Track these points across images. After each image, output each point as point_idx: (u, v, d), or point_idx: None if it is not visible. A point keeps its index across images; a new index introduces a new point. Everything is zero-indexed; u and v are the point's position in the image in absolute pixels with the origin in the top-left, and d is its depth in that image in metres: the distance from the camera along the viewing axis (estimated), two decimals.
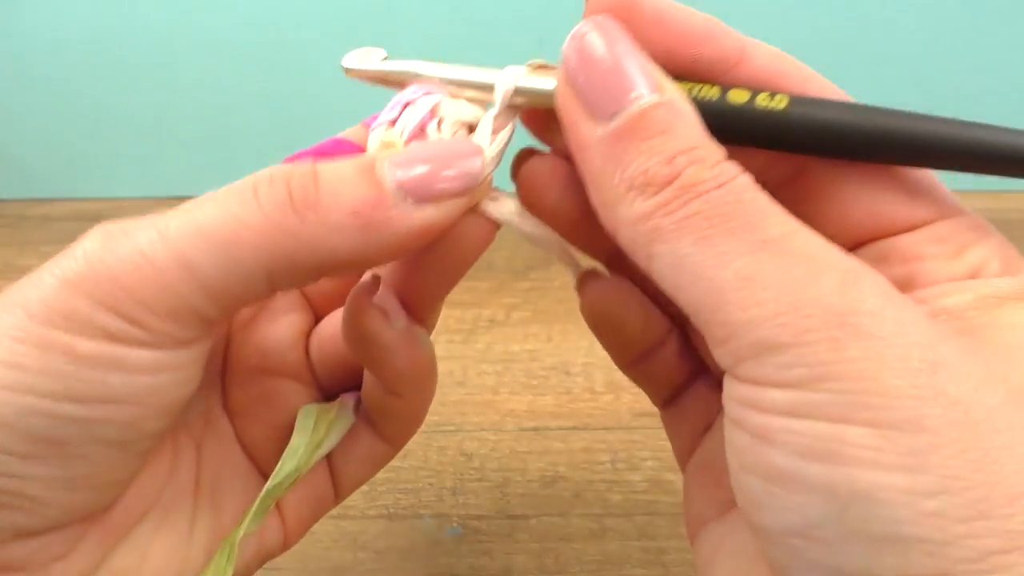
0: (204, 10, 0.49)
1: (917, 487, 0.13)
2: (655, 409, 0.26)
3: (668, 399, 0.24)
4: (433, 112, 0.20)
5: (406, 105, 0.20)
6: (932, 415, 0.13)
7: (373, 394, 0.24)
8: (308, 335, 0.25)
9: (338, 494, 0.25)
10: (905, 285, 0.17)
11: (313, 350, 0.25)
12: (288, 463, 0.22)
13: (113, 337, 0.16)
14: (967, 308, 0.16)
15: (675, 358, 0.23)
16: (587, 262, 0.22)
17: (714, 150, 0.16)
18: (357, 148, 0.22)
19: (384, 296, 0.21)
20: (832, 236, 0.17)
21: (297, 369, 0.25)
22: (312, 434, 0.23)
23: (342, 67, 0.20)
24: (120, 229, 0.17)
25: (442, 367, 0.40)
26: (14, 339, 0.16)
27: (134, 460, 0.19)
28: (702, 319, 0.16)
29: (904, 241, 0.18)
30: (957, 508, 0.13)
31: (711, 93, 0.18)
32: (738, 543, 0.20)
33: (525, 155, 0.20)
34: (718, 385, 0.21)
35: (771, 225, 0.15)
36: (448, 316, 0.43)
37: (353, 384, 0.25)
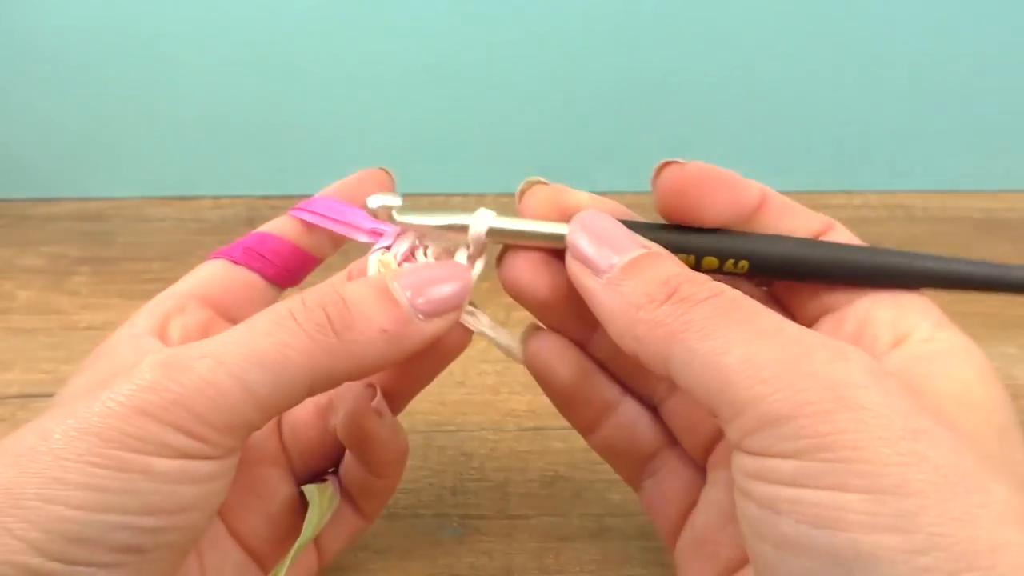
0: (205, 10, 0.49)
1: (910, 546, 0.15)
2: None
3: (636, 475, 0.26)
4: (422, 238, 0.24)
5: (399, 235, 0.24)
6: (917, 479, 0.15)
7: (356, 476, 0.27)
8: (279, 421, 0.28)
9: (321, 566, 0.28)
10: (855, 341, 0.21)
11: (287, 435, 0.27)
12: (307, 532, 0.26)
13: (184, 454, 0.18)
14: (907, 371, 0.19)
15: (632, 428, 0.26)
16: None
17: (703, 276, 0.20)
18: (283, 241, 0.26)
19: (380, 400, 0.25)
20: (798, 310, 0.23)
21: (276, 455, 0.27)
22: (318, 509, 0.26)
23: (366, 205, 0.24)
24: (176, 360, 0.19)
25: None
26: (92, 464, 0.17)
27: (182, 559, 0.21)
28: (714, 403, 0.18)
29: (852, 309, 0.22)
30: (947, 562, 0.15)
31: (687, 262, 0.22)
32: None
33: (504, 250, 0.24)
34: (692, 463, 0.25)
35: (765, 319, 0.18)
36: None
37: (323, 464, 0.28)
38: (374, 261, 0.24)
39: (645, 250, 0.21)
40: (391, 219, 0.24)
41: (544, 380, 0.25)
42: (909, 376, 0.19)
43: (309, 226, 0.26)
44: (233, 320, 0.25)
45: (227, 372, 0.19)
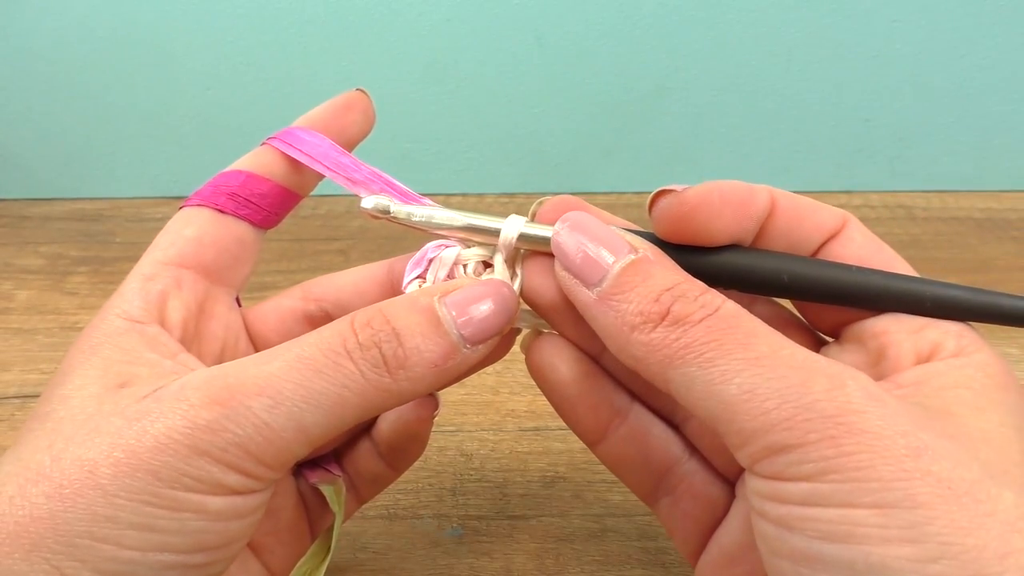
0: (204, 10, 0.49)
1: (921, 555, 0.16)
2: None
3: (651, 491, 0.26)
4: (457, 261, 0.23)
5: (431, 261, 0.24)
6: (923, 492, 0.16)
7: (370, 468, 0.27)
8: None
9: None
10: (878, 357, 0.21)
11: None
12: (337, 533, 0.26)
13: (236, 492, 0.18)
14: (927, 395, 0.19)
15: (644, 439, 0.25)
16: None
17: (695, 284, 0.19)
18: (269, 183, 0.24)
19: (439, 409, 0.26)
20: (817, 323, 0.23)
21: None
22: (341, 509, 0.27)
23: (361, 208, 0.24)
24: (231, 396, 0.18)
25: None
26: (147, 503, 0.17)
27: None
28: (720, 429, 0.18)
29: (873, 323, 0.21)
30: (956, 569, 0.15)
31: None
32: None
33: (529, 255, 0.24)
34: (715, 480, 0.25)
35: (760, 342, 0.18)
36: None
37: (319, 452, 0.28)
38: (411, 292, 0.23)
39: (633, 256, 0.20)
40: (388, 215, 0.23)
41: (545, 380, 0.24)
42: (925, 388, 0.19)
43: (292, 162, 0.25)
44: (225, 281, 0.24)
45: (285, 414, 0.18)
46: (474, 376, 0.40)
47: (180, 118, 0.53)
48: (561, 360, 0.24)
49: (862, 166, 0.55)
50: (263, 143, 0.25)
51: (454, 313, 0.21)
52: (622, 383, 0.25)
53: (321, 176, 0.25)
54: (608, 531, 0.33)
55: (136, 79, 0.52)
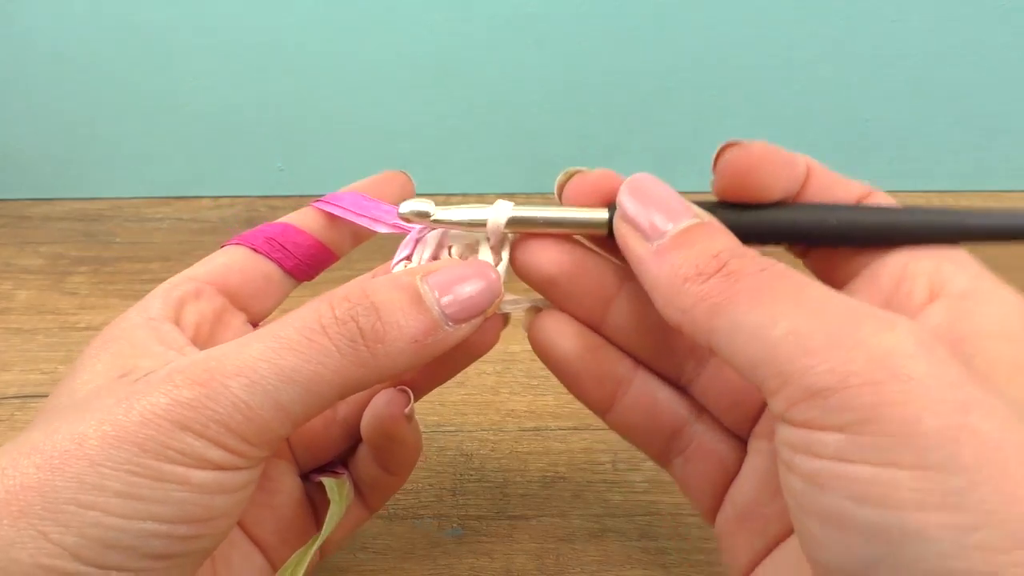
0: (204, 10, 0.49)
1: (961, 524, 0.15)
2: None
3: (663, 453, 0.26)
4: (441, 243, 0.24)
5: (417, 242, 0.24)
6: (968, 455, 0.15)
7: (369, 473, 0.27)
8: None
9: (322, 556, 0.28)
10: (891, 295, 0.21)
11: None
12: (328, 527, 0.26)
13: (219, 466, 0.19)
14: (951, 327, 0.19)
15: (652, 404, 0.25)
16: None
17: (752, 251, 0.20)
18: (305, 234, 0.26)
19: (411, 406, 0.25)
20: (833, 273, 0.23)
21: (282, 448, 0.27)
22: (340, 503, 0.26)
23: (398, 212, 0.24)
24: (211, 376, 0.19)
25: None
26: (131, 472, 0.18)
27: (203, 562, 0.21)
28: (759, 375, 0.18)
29: (888, 264, 0.21)
30: (999, 540, 0.14)
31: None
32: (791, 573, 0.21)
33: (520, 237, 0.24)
34: (724, 438, 0.25)
35: (813, 292, 0.18)
36: None
37: (327, 456, 0.28)
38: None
39: (698, 220, 0.21)
40: (424, 221, 0.24)
41: (548, 356, 0.25)
42: (953, 331, 0.19)
43: (331, 220, 0.26)
44: (246, 309, 0.25)
45: (262, 392, 0.19)
46: (474, 376, 0.40)
47: (180, 118, 0.53)
48: (562, 335, 0.24)
49: (862, 166, 0.55)
50: (308, 205, 0.27)
51: (436, 292, 0.21)
52: (625, 350, 0.25)
53: (361, 236, 0.27)
54: (608, 531, 0.33)
55: (136, 79, 0.52)
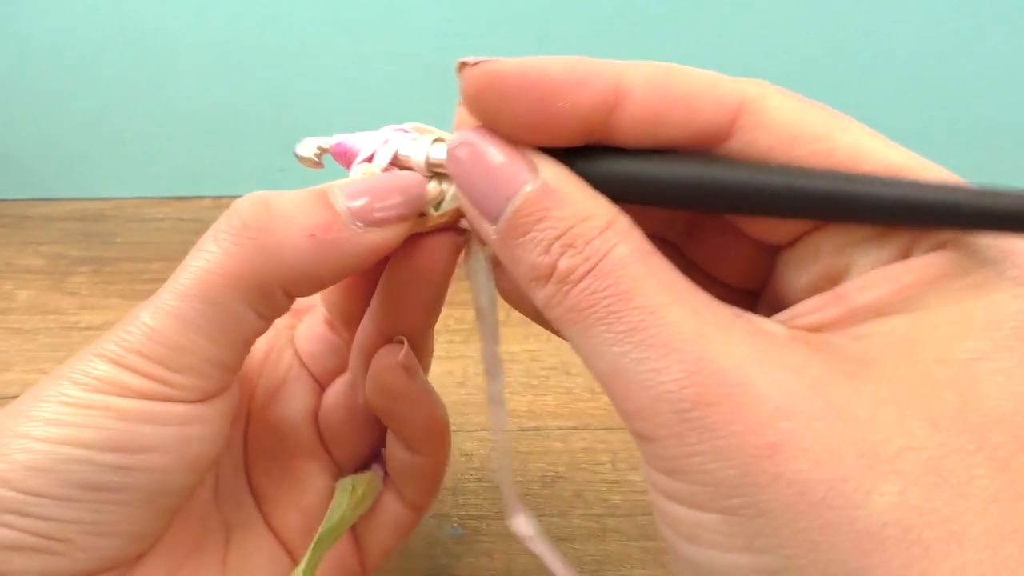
0: (204, 10, 0.49)
1: (762, 566, 0.14)
2: None
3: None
4: (404, 147, 0.22)
5: (385, 142, 0.23)
6: (769, 500, 0.14)
7: (396, 456, 0.26)
8: (317, 414, 0.27)
9: (365, 568, 0.27)
10: (838, 274, 0.17)
11: (322, 426, 0.27)
12: (335, 514, 0.25)
13: (143, 395, 0.19)
14: (886, 303, 0.16)
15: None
16: None
17: (591, 224, 0.17)
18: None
19: (407, 355, 0.23)
20: (765, 233, 0.19)
21: (313, 447, 0.27)
22: (352, 494, 0.26)
23: (295, 154, 0.23)
24: (131, 313, 0.20)
25: (442, 367, 0.40)
26: (59, 403, 0.19)
27: (161, 515, 0.21)
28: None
29: (835, 231, 0.18)
30: None
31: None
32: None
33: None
34: (722, 294, 0.19)
35: (634, 308, 0.16)
36: (448, 316, 0.43)
37: (363, 452, 0.27)
38: (357, 172, 0.22)
39: (528, 188, 0.17)
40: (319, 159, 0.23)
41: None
42: (889, 312, 0.16)
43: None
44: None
45: (163, 313, 0.19)
46: (474, 376, 0.40)
47: (180, 118, 0.53)
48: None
49: None
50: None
51: (350, 195, 0.20)
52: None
53: None
54: (608, 531, 0.33)
55: (136, 79, 0.52)
